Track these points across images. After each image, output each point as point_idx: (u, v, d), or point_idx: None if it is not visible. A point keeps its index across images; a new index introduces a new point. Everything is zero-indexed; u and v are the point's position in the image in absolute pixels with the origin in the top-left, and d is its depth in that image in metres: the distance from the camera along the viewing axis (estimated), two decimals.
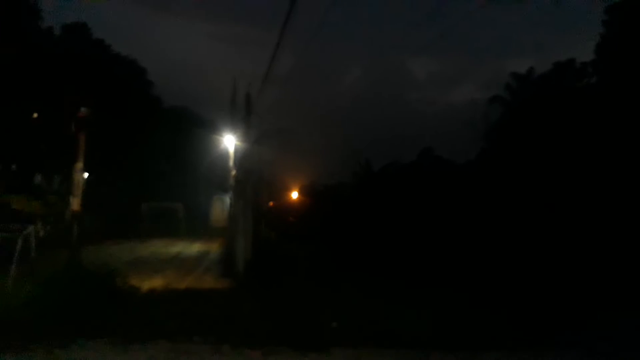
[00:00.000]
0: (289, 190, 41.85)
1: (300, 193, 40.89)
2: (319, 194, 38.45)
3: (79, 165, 12.96)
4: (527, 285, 10.83)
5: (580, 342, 7.80)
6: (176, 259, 18.65)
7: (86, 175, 13.31)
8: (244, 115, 15.59)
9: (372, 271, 12.75)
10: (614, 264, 12.28)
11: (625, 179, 16.85)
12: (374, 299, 9.85)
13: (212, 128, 30.23)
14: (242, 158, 15.51)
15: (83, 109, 13.12)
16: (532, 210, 17.91)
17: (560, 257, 13.38)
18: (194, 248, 22.68)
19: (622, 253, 13.01)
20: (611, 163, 17.64)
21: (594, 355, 7.37)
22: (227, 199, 21.46)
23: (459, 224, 17.84)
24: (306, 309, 9.07)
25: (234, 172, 16.38)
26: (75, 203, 12.91)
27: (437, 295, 10.03)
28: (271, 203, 38.18)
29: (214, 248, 21.27)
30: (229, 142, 20.25)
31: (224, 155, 21.82)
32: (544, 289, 10.58)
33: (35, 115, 27.71)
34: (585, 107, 20.50)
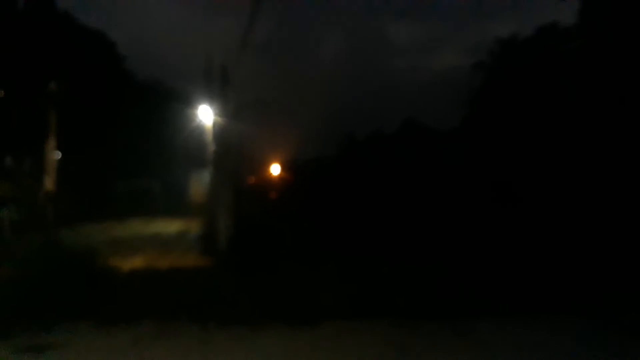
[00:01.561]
0: (270, 165, 41.35)
1: (282, 167, 40.46)
2: (301, 167, 38.10)
3: (51, 143, 12.49)
4: (519, 257, 10.68)
5: (575, 308, 7.89)
6: (156, 238, 18.29)
7: (59, 155, 12.87)
8: (220, 87, 15.11)
9: (357, 247, 12.62)
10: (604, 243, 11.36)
11: (611, 142, 16.80)
12: (362, 274, 9.74)
13: (187, 101, 29.44)
14: (220, 132, 15.11)
15: (52, 84, 12.57)
16: (518, 179, 17.89)
17: (550, 228, 13.07)
18: (173, 226, 22.32)
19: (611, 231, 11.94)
20: (600, 127, 17.56)
21: (587, 318, 7.49)
22: (205, 175, 21.03)
23: (447, 195, 17.72)
24: (292, 285, 8.96)
25: (212, 147, 15.96)
26: (49, 182, 12.49)
27: (427, 270, 9.93)
28: (252, 179, 37.76)
29: (193, 225, 20.93)
30: (206, 115, 19.70)
31: (201, 129, 21.28)
32: (536, 260, 10.47)
33: (1, 93, 26.57)
34: (570, 71, 20.37)
